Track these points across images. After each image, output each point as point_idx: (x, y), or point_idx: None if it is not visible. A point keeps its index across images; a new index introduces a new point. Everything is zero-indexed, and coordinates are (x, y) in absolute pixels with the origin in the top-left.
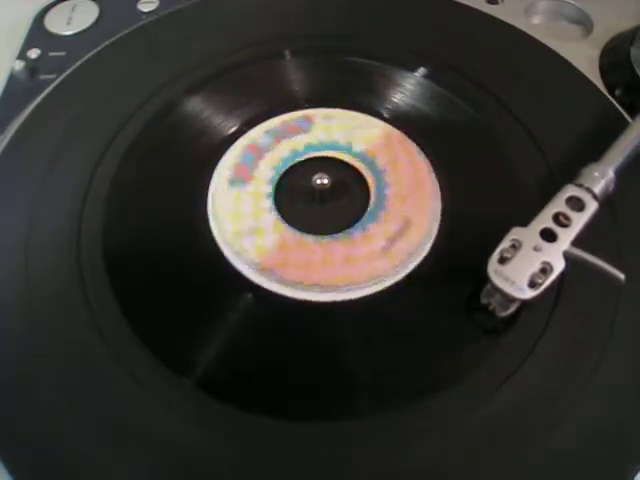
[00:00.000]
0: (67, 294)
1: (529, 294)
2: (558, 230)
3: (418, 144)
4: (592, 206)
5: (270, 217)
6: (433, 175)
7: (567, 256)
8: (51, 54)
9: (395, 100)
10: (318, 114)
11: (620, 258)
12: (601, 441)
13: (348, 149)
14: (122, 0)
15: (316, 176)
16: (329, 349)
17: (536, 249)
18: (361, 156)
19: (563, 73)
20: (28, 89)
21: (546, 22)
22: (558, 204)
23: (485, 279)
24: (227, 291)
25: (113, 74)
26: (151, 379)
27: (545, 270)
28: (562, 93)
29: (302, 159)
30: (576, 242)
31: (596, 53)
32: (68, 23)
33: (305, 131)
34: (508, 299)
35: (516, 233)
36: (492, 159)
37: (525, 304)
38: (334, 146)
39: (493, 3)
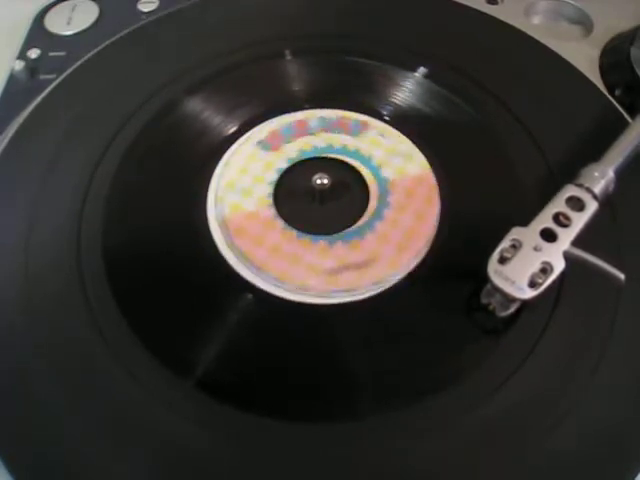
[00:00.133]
0: (67, 294)
1: (529, 294)
2: (558, 230)
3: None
4: (592, 206)
5: (264, 189)
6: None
7: (567, 256)
8: (51, 54)
9: (395, 100)
10: (377, 126)
11: (620, 258)
12: (601, 441)
13: (374, 169)
14: (122, 0)
15: (316, 176)
16: (329, 349)
17: (536, 249)
18: (381, 182)
19: (563, 73)
20: (28, 89)
21: (546, 22)
22: (558, 204)
23: (485, 279)
24: (227, 291)
25: (113, 74)
26: (151, 379)
27: (545, 270)
28: (562, 93)
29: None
30: (576, 242)
31: (596, 53)
32: (68, 23)
33: (352, 135)
34: (508, 299)
35: (516, 233)
36: (492, 159)
37: (525, 304)
38: (363, 160)
39: (493, 3)
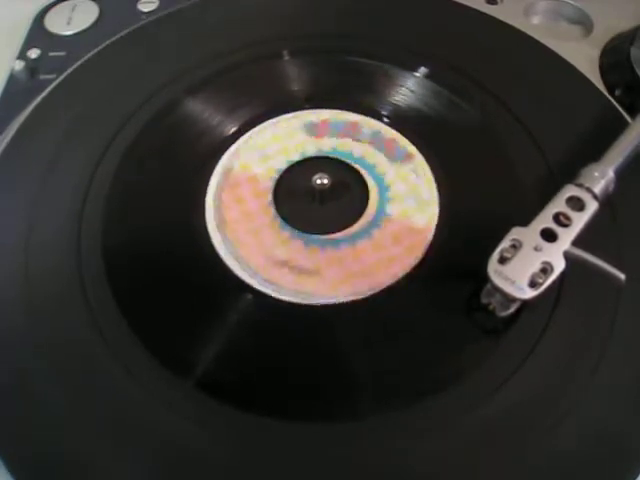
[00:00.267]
0: (67, 294)
1: (529, 294)
2: (558, 230)
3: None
4: (592, 206)
5: (278, 165)
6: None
7: (567, 256)
8: (51, 54)
9: (395, 100)
10: (418, 162)
11: (620, 258)
12: (601, 441)
13: (384, 198)
14: (122, 0)
15: (316, 176)
16: (329, 349)
17: (536, 249)
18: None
19: (563, 73)
20: (28, 89)
21: (546, 22)
22: (558, 204)
23: (485, 279)
24: (227, 292)
25: (113, 74)
26: (151, 379)
27: (545, 270)
28: (562, 93)
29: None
30: (576, 242)
31: (596, 53)
32: (68, 23)
33: (391, 160)
34: (508, 299)
35: (516, 233)
36: (492, 159)
37: (525, 304)
38: (380, 186)
39: (493, 3)
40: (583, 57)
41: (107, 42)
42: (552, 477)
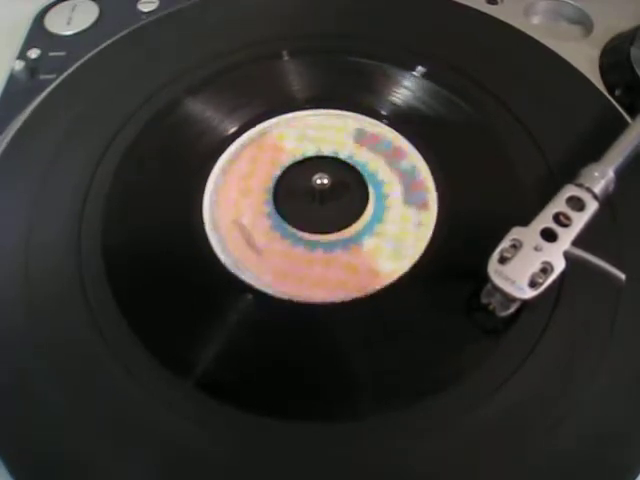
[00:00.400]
0: (67, 294)
1: (529, 294)
2: (558, 230)
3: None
4: (592, 206)
5: (303, 151)
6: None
7: (567, 256)
8: (51, 54)
9: (395, 100)
10: (429, 215)
11: (620, 258)
12: (601, 441)
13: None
14: (122, 0)
15: (316, 176)
16: (329, 349)
17: (536, 249)
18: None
19: (563, 73)
20: (28, 89)
21: (546, 22)
22: (558, 204)
23: (485, 279)
24: (227, 291)
25: (113, 74)
26: (151, 379)
27: (545, 270)
28: (562, 93)
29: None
30: (576, 242)
31: (596, 53)
32: (68, 23)
33: (404, 200)
34: (508, 299)
35: (516, 233)
36: (492, 159)
37: (525, 304)
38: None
39: (493, 3)
40: (583, 57)
41: (107, 42)
42: (552, 477)
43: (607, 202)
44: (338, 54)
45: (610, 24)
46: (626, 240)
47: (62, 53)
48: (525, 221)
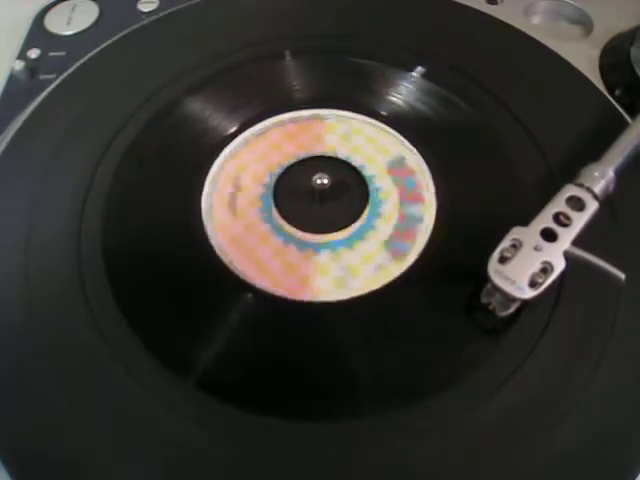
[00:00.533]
0: (67, 294)
1: (529, 294)
2: (558, 230)
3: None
4: (592, 206)
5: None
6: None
7: (567, 256)
8: (51, 54)
9: (395, 100)
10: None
11: (620, 258)
12: (601, 441)
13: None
14: (122, 0)
15: (316, 176)
16: (329, 349)
17: (536, 249)
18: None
19: (563, 73)
20: (28, 89)
21: (546, 22)
22: (558, 204)
23: (485, 279)
24: (227, 291)
25: (113, 74)
26: (151, 379)
27: (545, 270)
28: (562, 93)
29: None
30: (576, 242)
31: (596, 53)
32: (68, 23)
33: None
34: (508, 299)
35: (516, 233)
36: (492, 159)
37: (525, 304)
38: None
39: (493, 3)
40: (583, 57)
41: (107, 42)
42: (552, 477)
43: (607, 202)
44: (338, 54)
45: (610, 24)
46: (626, 240)
47: (62, 53)
48: (525, 221)
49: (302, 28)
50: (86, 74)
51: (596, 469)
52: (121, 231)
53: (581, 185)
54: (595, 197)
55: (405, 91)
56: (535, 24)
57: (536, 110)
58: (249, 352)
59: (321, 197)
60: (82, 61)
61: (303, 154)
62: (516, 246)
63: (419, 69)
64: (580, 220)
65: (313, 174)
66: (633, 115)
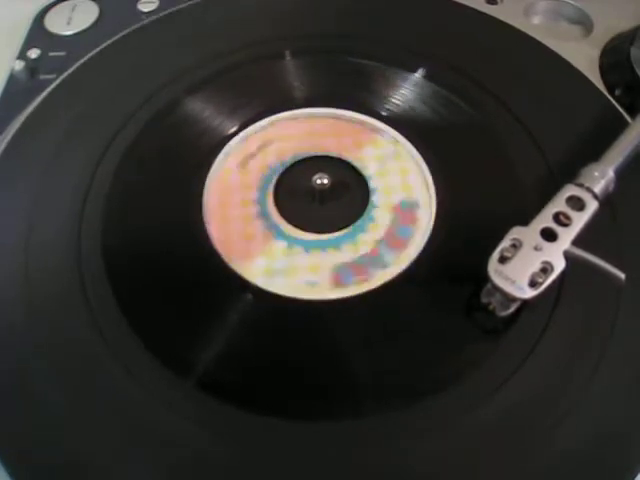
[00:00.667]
0: (67, 294)
1: (529, 293)
2: (558, 229)
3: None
4: (592, 206)
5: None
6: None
7: (567, 255)
8: (51, 54)
9: (395, 100)
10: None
11: (620, 258)
12: (601, 441)
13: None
14: (122, 0)
15: (316, 176)
16: (329, 349)
17: (536, 248)
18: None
19: (563, 73)
20: (28, 89)
21: (546, 22)
22: (558, 204)
23: (485, 279)
24: (227, 291)
25: (113, 74)
26: (151, 379)
27: (545, 269)
28: (562, 93)
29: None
30: (576, 242)
31: (596, 53)
32: (68, 23)
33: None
34: (508, 298)
35: (516, 232)
36: (492, 159)
37: (525, 304)
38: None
39: (493, 3)
40: (583, 57)
41: (107, 42)
42: (552, 477)
43: (607, 202)
44: (338, 54)
45: (610, 24)
46: (626, 240)
47: (62, 53)
48: (525, 221)
49: (302, 28)
50: (86, 74)
51: (596, 469)
52: (121, 231)
53: (581, 185)
54: (595, 197)
55: (405, 91)
56: (535, 24)
57: (536, 110)
58: (249, 352)
59: (321, 197)
60: (82, 61)
61: (333, 154)
62: (516, 246)
63: (419, 69)
64: (580, 220)
65: (313, 174)
66: (633, 115)
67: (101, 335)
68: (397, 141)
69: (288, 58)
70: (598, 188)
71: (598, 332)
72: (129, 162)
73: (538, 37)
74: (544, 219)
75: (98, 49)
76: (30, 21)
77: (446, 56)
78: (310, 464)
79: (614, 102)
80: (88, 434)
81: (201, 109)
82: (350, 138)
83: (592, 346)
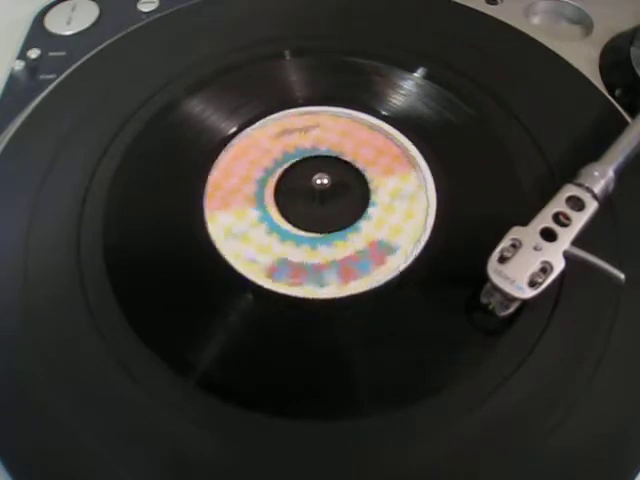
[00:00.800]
0: (67, 294)
1: (529, 293)
2: (558, 230)
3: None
4: (592, 206)
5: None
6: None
7: (567, 256)
8: (51, 54)
9: (395, 100)
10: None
11: (620, 258)
12: (601, 441)
13: None
14: (122, 0)
15: (316, 176)
16: (329, 349)
17: (536, 248)
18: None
19: (563, 73)
20: (28, 89)
21: (546, 22)
22: (558, 204)
23: (485, 278)
24: (228, 291)
25: (113, 74)
26: (152, 379)
27: (545, 269)
28: (562, 93)
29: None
30: (576, 242)
31: (596, 53)
32: (68, 23)
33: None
34: (508, 298)
35: (516, 232)
36: (492, 159)
37: (525, 304)
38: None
39: (493, 3)
40: (583, 57)
41: (107, 42)
42: (552, 477)
43: (607, 202)
44: (338, 54)
45: (610, 24)
46: (626, 240)
47: (62, 53)
48: (525, 221)
49: (302, 28)
50: (86, 74)
51: (596, 469)
52: (121, 231)
53: (581, 185)
54: (595, 197)
55: (405, 91)
56: (535, 24)
57: (536, 110)
58: (251, 351)
59: (321, 197)
60: (82, 61)
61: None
62: (516, 246)
63: (419, 69)
64: (580, 220)
65: (313, 174)
66: (633, 115)
67: (101, 335)
68: (423, 185)
69: (288, 58)
70: (598, 188)
71: (598, 332)
72: (129, 162)
73: (538, 37)
74: (544, 219)
75: (98, 49)
76: (30, 21)
77: (446, 56)
78: (310, 464)
79: (614, 102)
80: (88, 434)
81: (201, 109)
82: (386, 159)
83: (592, 346)
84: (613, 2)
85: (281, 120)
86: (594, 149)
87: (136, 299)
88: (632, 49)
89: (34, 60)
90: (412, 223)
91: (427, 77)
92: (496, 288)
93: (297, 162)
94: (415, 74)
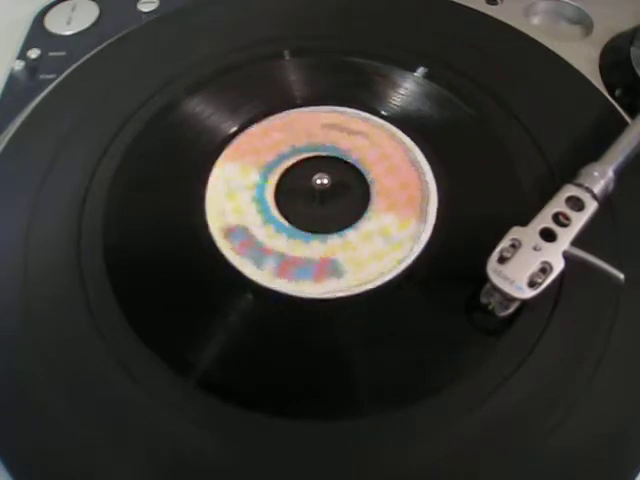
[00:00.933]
0: (67, 294)
1: (528, 294)
2: (558, 230)
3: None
4: (592, 206)
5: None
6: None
7: (567, 256)
8: (51, 54)
9: (395, 100)
10: None
11: (620, 258)
12: (601, 441)
13: None
14: (122, 0)
15: (316, 176)
16: (329, 348)
17: (536, 249)
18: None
19: (563, 73)
20: (28, 89)
21: (546, 22)
22: (558, 204)
23: (485, 279)
24: (228, 291)
25: (113, 74)
26: (152, 379)
27: (545, 270)
28: (562, 93)
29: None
30: (576, 242)
31: (596, 53)
32: (68, 23)
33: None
34: (507, 299)
35: (516, 232)
36: (492, 159)
37: (525, 304)
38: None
39: (493, 3)
40: (583, 57)
41: (107, 42)
42: (552, 477)
43: (607, 202)
44: (338, 54)
45: (610, 24)
46: (626, 240)
47: (62, 53)
48: (525, 221)
49: (302, 28)
50: (86, 74)
51: (596, 469)
52: (121, 231)
53: (580, 185)
54: (594, 197)
55: (405, 91)
56: (535, 24)
57: (536, 110)
58: (251, 351)
59: (321, 197)
60: (82, 61)
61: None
62: (515, 246)
63: (419, 69)
64: (579, 220)
65: (313, 174)
66: (633, 115)
67: (101, 335)
68: (416, 237)
69: (288, 58)
70: (597, 188)
71: (598, 332)
72: (129, 162)
73: (538, 37)
74: (543, 219)
75: (98, 49)
76: (30, 21)
77: (446, 56)
78: (310, 464)
79: (614, 102)
80: (88, 434)
81: (201, 109)
82: (403, 195)
83: (591, 346)
84: (613, 2)
85: (342, 114)
86: (594, 149)
87: (136, 299)
88: (632, 49)
89: (34, 60)
90: (394, 256)
91: (427, 77)
92: (496, 288)
93: (297, 162)
94: (415, 74)
